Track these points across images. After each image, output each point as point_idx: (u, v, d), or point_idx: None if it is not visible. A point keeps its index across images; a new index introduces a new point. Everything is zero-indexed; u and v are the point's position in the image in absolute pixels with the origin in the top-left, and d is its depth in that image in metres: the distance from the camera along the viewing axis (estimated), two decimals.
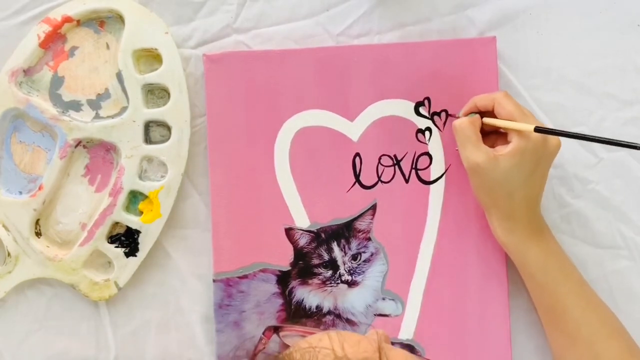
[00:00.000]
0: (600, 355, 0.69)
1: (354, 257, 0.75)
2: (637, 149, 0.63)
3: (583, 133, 0.68)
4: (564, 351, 0.71)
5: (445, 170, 0.75)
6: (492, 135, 0.72)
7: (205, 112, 0.75)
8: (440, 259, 0.75)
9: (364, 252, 0.75)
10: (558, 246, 0.73)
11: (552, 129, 0.69)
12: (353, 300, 0.75)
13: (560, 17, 0.76)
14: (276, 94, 0.74)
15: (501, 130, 0.71)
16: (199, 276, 0.76)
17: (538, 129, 0.67)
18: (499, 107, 0.70)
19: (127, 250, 0.74)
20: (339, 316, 0.75)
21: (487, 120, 0.71)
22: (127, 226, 0.74)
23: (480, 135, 0.70)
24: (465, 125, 0.70)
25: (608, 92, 0.76)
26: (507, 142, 0.69)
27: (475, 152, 0.69)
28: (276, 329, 0.70)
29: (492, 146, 0.71)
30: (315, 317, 0.75)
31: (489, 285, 0.75)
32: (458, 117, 0.73)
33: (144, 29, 0.73)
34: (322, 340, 0.58)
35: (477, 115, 0.71)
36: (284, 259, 0.75)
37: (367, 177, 0.75)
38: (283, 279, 0.74)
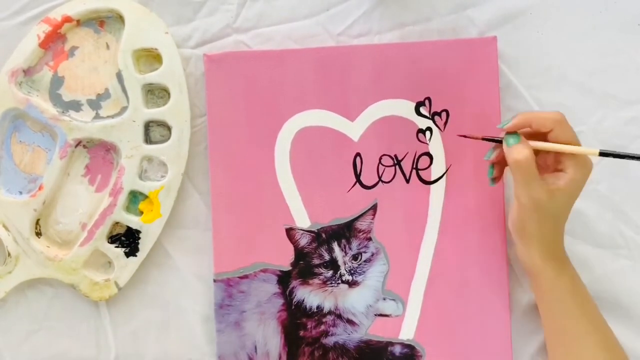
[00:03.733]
0: None
1: (355, 257, 0.75)
2: None
3: None
4: None
5: (446, 170, 0.75)
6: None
7: (206, 112, 0.75)
8: (441, 259, 0.75)
9: (364, 252, 0.75)
10: (582, 282, 0.71)
11: (618, 153, 0.65)
12: (354, 300, 0.75)
13: (560, 16, 0.76)
14: (276, 94, 0.74)
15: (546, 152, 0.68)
16: (200, 276, 0.76)
17: (603, 154, 0.64)
18: (561, 130, 0.65)
19: (127, 250, 0.74)
20: (339, 316, 0.75)
21: (542, 145, 0.66)
22: (128, 226, 0.74)
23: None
24: (531, 159, 0.64)
25: (608, 92, 0.76)
26: (551, 169, 0.67)
27: (538, 189, 0.65)
28: None
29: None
30: (315, 317, 0.75)
31: (489, 285, 0.75)
32: (498, 140, 0.68)
33: (144, 29, 0.73)
34: None
35: (527, 142, 0.66)
36: (284, 259, 0.74)
37: (368, 177, 0.75)
38: (284, 279, 0.74)
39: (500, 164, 0.71)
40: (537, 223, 0.67)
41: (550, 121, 0.65)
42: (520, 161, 0.65)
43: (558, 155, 0.67)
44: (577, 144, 0.66)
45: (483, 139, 0.69)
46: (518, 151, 0.65)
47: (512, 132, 0.66)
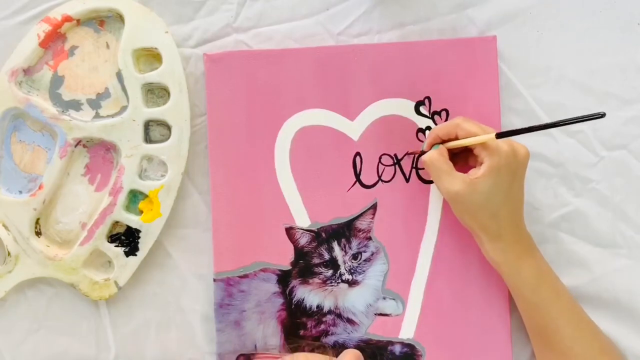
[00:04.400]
0: None
1: (355, 257, 0.75)
2: (597, 117, 0.62)
3: (542, 124, 0.67)
4: None
5: None
6: (461, 162, 0.72)
7: (206, 112, 0.75)
8: (441, 258, 0.75)
9: (364, 252, 0.75)
10: (548, 265, 0.72)
11: (513, 130, 0.68)
12: (354, 299, 0.75)
13: (560, 16, 0.76)
14: (276, 93, 0.74)
15: (468, 151, 0.72)
16: (200, 275, 0.76)
17: (499, 134, 0.67)
18: (460, 130, 0.70)
19: (127, 250, 0.74)
20: (339, 315, 0.75)
21: (450, 143, 0.71)
22: (127, 225, 0.74)
23: (451, 163, 0.70)
24: (435, 157, 0.70)
25: (608, 91, 0.76)
26: (477, 162, 0.70)
27: (451, 182, 0.69)
28: (248, 357, 0.73)
29: (464, 168, 0.71)
30: (315, 317, 0.75)
31: (489, 285, 0.75)
32: (423, 152, 0.73)
33: (144, 29, 0.73)
34: None
35: (442, 146, 0.71)
36: (284, 258, 0.74)
37: (368, 177, 0.75)
38: (283, 278, 0.74)
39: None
40: (468, 215, 0.70)
41: (449, 127, 0.71)
42: (426, 161, 0.71)
43: (472, 151, 0.71)
44: (482, 133, 0.69)
45: (422, 152, 0.74)
46: (426, 155, 0.71)
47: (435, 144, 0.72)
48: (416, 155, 0.75)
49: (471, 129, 0.70)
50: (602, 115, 0.62)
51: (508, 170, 0.68)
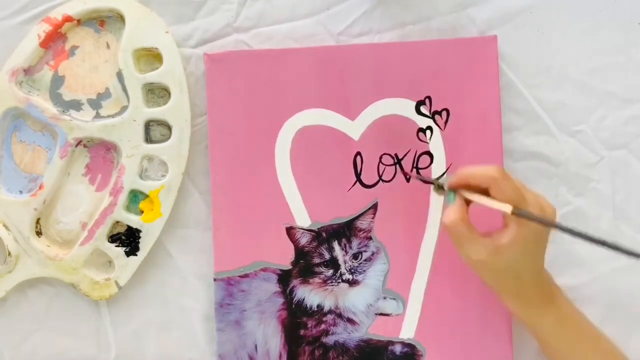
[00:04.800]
0: None
1: (355, 256, 0.75)
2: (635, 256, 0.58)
3: (575, 229, 0.60)
4: None
5: (447, 170, 0.75)
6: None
7: (206, 111, 0.75)
8: (442, 258, 0.75)
9: (364, 251, 0.75)
10: (572, 307, 0.70)
11: (533, 215, 0.62)
12: (354, 299, 0.75)
13: (560, 15, 0.76)
14: (277, 93, 0.74)
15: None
16: (200, 275, 0.76)
17: (515, 212, 0.62)
18: (497, 189, 0.63)
19: (127, 250, 0.74)
20: (339, 315, 0.75)
21: (467, 195, 0.65)
22: (128, 225, 0.74)
23: (473, 228, 0.64)
24: (458, 225, 0.64)
25: (609, 91, 0.76)
26: (502, 222, 0.65)
27: (475, 249, 0.64)
28: None
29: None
30: (316, 316, 0.75)
31: None
32: (434, 181, 0.71)
33: (144, 28, 0.73)
34: None
35: (461, 204, 0.65)
36: (284, 258, 0.74)
37: (368, 176, 0.75)
38: (284, 278, 0.74)
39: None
40: (490, 279, 0.67)
41: (485, 178, 0.64)
42: (447, 226, 0.65)
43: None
44: (519, 197, 0.63)
45: (423, 181, 0.72)
46: (446, 215, 0.65)
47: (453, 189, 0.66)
48: (415, 165, 0.74)
49: (509, 193, 0.63)
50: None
51: (535, 238, 0.64)
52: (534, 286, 0.68)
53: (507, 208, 0.62)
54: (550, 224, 0.63)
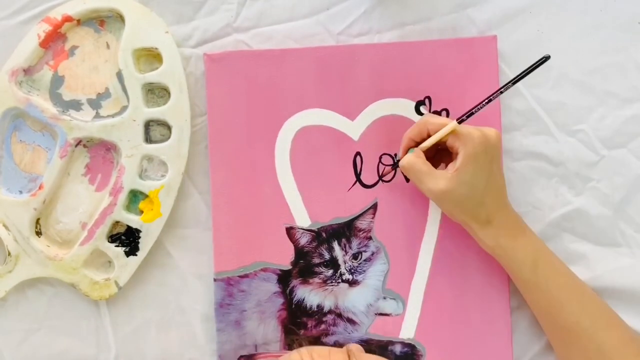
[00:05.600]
0: (603, 345, 0.69)
1: (355, 256, 0.75)
2: (544, 61, 0.66)
3: (498, 88, 0.69)
4: (567, 347, 0.71)
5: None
6: (437, 158, 0.72)
7: (206, 111, 0.75)
8: (441, 258, 0.75)
9: (364, 251, 0.75)
10: (542, 243, 0.73)
11: (470, 110, 0.70)
12: (354, 299, 0.75)
13: (560, 15, 0.76)
14: (277, 93, 0.74)
15: (442, 148, 0.72)
16: (200, 275, 0.76)
17: (460, 119, 0.69)
18: (430, 125, 0.70)
19: (127, 250, 0.74)
20: (339, 315, 0.75)
21: (423, 144, 0.71)
22: (128, 225, 0.74)
23: (429, 164, 0.70)
24: (412, 161, 0.70)
25: (609, 90, 0.76)
26: (454, 158, 0.70)
27: (434, 181, 0.69)
28: (249, 358, 0.74)
29: (444, 167, 0.71)
30: (316, 317, 0.75)
31: (489, 284, 0.75)
32: (397, 161, 0.73)
33: (144, 28, 0.73)
34: (292, 356, 0.64)
35: (416, 148, 0.71)
36: (284, 258, 0.74)
37: (368, 176, 0.75)
38: (284, 278, 0.74)
39: None
40: (456, 209, 0.70)
41: (420, 125, 0.71)
42: (404, 166, 0.71)
43: (447, 151, 0.71)
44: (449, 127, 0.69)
45: (394, 163, 0.75)
46: (404, 158, 0.71)
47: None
48: (389, 176, 0.75)
49: (440, 122, 0.70)
50: (547, 58, 0.66)
51: (484, 155, 0.69)
52: (499, 212, 0.70)
53: (451, 123, 0.69)
54: (485, 100, 0.69)
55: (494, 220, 0.70)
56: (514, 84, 0.69)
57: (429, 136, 0.71)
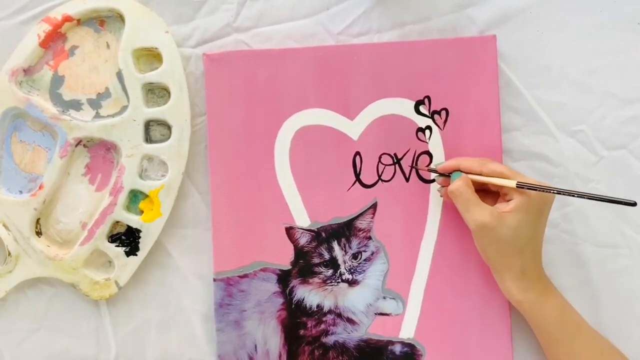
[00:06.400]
0: None
1: (355, 256, 0.75)
2: (629, 204, 0.65)
3: (567, 190, 0.68)
4: None
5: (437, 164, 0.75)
6: (482, 196, 0.71)
7: (206, 111, 0.75)
8: (441, 258, 0.75)
9: (364, 251, 0.75)
10: (568, 302, 0.72)
11: (534, 185, 0.68)
12: (354, 299, 0.75)
13: (560, 15, 0.76)
14: (276, 93, 0.74)
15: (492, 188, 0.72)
16: (200, 275, 0.76)
17: (520, 184, 0.68)
18: (486, 168, 0.70)
19: (127, 250, 0.74)
20: (339, 315, 0.75)
21: (475, 177, 0.71)
22: (128, 225, 0.74)
23: (477, 195, 0.70)
24: (463, 188, 0.70)
25: (608, 91, 0.76)
26: (501, 200, 0.70)
27: (480, 212, 0.69)
28: None
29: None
30: (315, 316, 0.75)
31: (489, 284, 0.75)
32: (430, 169, 0.74)
33: (144, 28, 0.73)
34: None
35: (466, 175, 0.71)
36: (284, 258, 0.74)
37: (368, 176, 0.75)
38: (283, 278, 0.74)
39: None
40: (493, 250, 0.70)
41: (476, 162, 0.71)
42: (453, 191, 0.70)
43: (491, 191, 0.72)
44: (512, 172, 0.69)
45: (430, 170, 0.74)
46: (453, 183, 0.71)
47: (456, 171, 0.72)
48: (415, 163, 0.75)
49: (498, 169, 0.70)
50: (634, 204, 0.65)
51: (537, 209, 0.69)
52: (534, 267, 0.70)
53: (511, 182, 0.68)
54: (551, 189, 0.68)
55: (527, 273, 0.70)
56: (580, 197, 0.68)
57: (480, 173, 0.70)
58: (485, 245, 0.70)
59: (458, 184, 0.70)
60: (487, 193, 0.72)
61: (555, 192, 0.68)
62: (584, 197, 0.67)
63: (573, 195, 0.67)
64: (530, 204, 0.68)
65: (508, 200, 0.69)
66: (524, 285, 0.70)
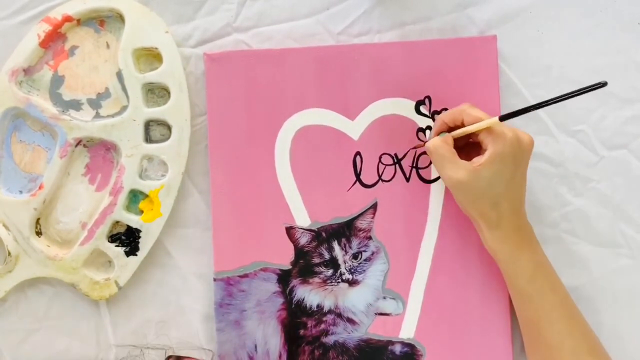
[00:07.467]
0: None
1: (355, 256, 0.75)
2: (599, 87, 0.63)
3: (546, 100, 0.67)
4: None
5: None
6: (465, 150, 0.72)
7: (206, 111, 0.75)
8: (441, 258, 0.75)
9: (364, 251, 0.75)
10: (546, 258, 0.72)
11: (517, 110, 0.68)
12: (354, 299, 0.75)
13: (560, 15, 0.76)
14: (277, 93, 0.74)
15: (473, 140, 0.71)
16: (200, 275, 0.76)
17: (503, 117, 0.67)
18: (466, 115, 0.70)
19: (127, 250, 0.74)
20: (339, 315, 0.75)
21: (455, 132, 0.71)
22: (128, 225, 0.74)
23: (455, 151, 0.70)
24: (438, 145, 0.70)
25: (608, 91, 0.76)
26: (482, 153, 0.69)
27: (454, 169, 0.69)
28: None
29: (468, 160, 0.70)
30: (315, 316, 0.75)
31: (489, 284, 0.75)
32: (424, 142, 0.73)
33: (144, 28, 0.73)
34: None
35: (447, 133, 0.71)
36: (284, 257, 0.74)
37: (368, 176, 0.75)
38: (284, 277, 0.74)
39: None
40: (469, 203, 0.70)
41: (455, 113, 0.71)
42: (429, 147, 0.70)
43: (477, 143, 0.70)
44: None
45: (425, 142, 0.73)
46: (430, 140, 0.71)
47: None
48: (417, 152, 0.75)
49: (477, 115, 0.69)
50: (604, 84, 0.63)
51: (512, 157, 0.68)
52: (512, 218, 0.70)
53: (493, 119, 0.68)
54: (531, 107, 0.67)
55: (504, 224, 0.70)
56: (571, 97, 0.66)
57: (462, 125, 0.70)
58: (461, 199, 0.71)
59: (434, 140, 0.70)
60: (473, 147, 0.71)
61: (536, 107, 0.67)
62: (559, 101, 0.66)
63: (549, 103, 0.66)
64: (505, 153, 0.67)
65: (484, 152, 0.69)
66: (500, 236, 0.70)
